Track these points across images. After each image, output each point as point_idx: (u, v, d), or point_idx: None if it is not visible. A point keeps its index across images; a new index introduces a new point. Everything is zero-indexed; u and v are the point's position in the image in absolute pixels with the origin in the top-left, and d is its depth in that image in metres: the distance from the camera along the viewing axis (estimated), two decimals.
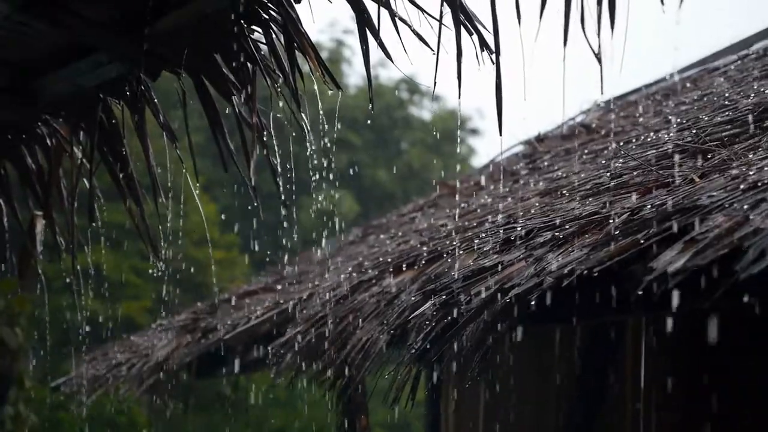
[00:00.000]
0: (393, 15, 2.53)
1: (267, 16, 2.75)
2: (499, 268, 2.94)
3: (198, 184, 3.28)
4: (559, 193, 3.82)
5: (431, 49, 2.53)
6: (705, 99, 4.59)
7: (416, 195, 9.51)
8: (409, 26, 2.56)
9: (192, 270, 19.84)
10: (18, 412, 10.23)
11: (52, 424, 14.86)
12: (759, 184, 2.34)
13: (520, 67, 2.47)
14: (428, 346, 3.06)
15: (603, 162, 4.15)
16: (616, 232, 2.56)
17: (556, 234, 2.95)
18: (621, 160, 3.79)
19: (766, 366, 3.77)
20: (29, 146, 3.46)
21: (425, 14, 2.52)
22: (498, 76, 2.54)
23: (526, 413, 5.22)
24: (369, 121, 28.01)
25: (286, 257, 7.74)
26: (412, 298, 3.43)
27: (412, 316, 3.24)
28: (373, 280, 4.19)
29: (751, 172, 2.54)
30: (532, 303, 2.65)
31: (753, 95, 3.82)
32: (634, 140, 4.36)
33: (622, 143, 4.52)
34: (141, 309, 19.89)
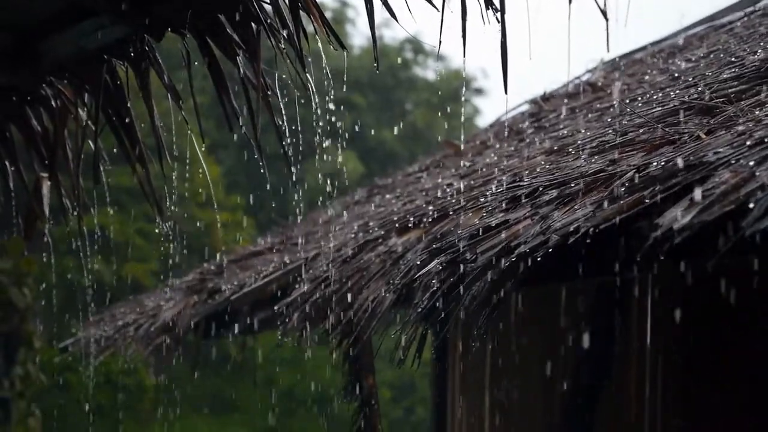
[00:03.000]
0: None
1: None
2: (505, 226, 2.94)
3: (203, 146, 3.28)
4: (564, 151, 3.82)
5: (436, 7, 2.52)
6: (711, 56, 4.57)
7: (421, 155, 9.51)
8: None
9: (197, 232, 19.89)
10: (27, 372, 10.31)
11: (60, 385, 14.96)
12: (765, 140, 2.34)
13: (525, 25, 2.46)
14: (434, 306, 3.07)
15: (609, 120, 4.14)
16: (622, 190, 2.56)
17: (562, 192, 2.95)
18: (627, 118, 3.78)
19: None
20: (34, 108, 3.46)
21: None
22: (503, 35, 2.53)
23: (532, 372, 5.25)
24: (376, 78, 27.94)
25: (291, 218, 7.75)
26: (418, 258, 3.43)
27: (418, 275, 3.24)
28: (378, 240, 4.20)
29: (757, 129, 2.54)
30: (538, 261, 2.65)
31: (759, 51, 3.80)
32: (640, 98, 4.35)
33: (627, 101, 4.51)
34: (146, 271, 19.96)
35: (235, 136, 3.00)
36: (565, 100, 6.25)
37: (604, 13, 2.42)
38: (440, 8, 2.50)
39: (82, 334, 7.06)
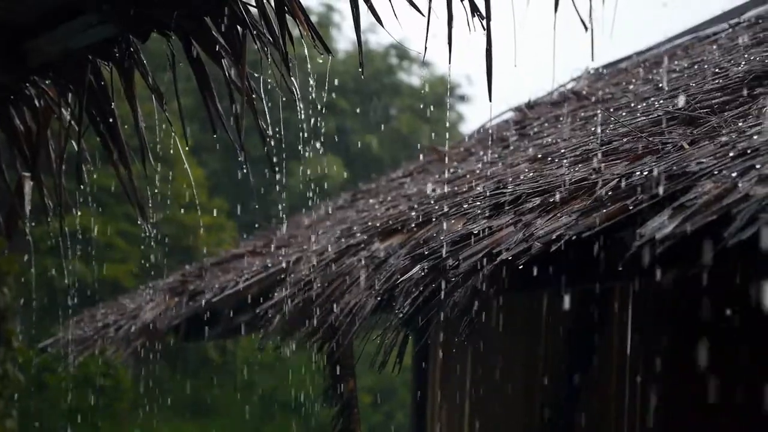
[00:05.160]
0: None
1: None
2: (488, 233, 2.94)
3: (187, 148, 3.27)
4: (548, 159, 3.82)
5: (422, 13, 2.52)
6: (696, 67, 4.59)
7: (405, 161, 9.52)
8: None
9: (179, 234, 19.85)
10: (5, 371, 10.26)
11: (38, 385, 14.89)
12: (748, 151, 2.35)
13: (511, 33, 2.47)
14: (416, 311, 3.07)
15: (593, 128, 4.15)
16: (605, 198, 2.57)
17: (545, 200, 2.96)
18: (611, 127, 3.79)
19: (752, 331, 3.79)
20: (17, 107, 3.44)
21: None
22: (488, 42, 2.53)
23: (513, 378, 5.25)
24: (360, 83, 27.93)
25: (274, 221, 7.74)
26: (401, 263, 3.43)
27: (400, 280, 3.24)
28: (361, 245, 4.20)
29: (740, 140, 2.55)
30: (520, 268, 2.65)
31: (743, 63, 3.82)
32: (624, 107, 4.36)
33: (612, 110, 4.52)
34: (127, 272, 19.90)
35: (219, 139, 2.99)
36: (550, 108, 6.27)
37: (584, 24, 2.43)
38: (426, 14, 2.50)
39: (62, 334, 7.03)
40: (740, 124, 2.86)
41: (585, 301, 4.68)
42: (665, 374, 4.21)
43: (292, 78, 2.81)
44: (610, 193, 2.59)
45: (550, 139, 4.61)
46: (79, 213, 3.59)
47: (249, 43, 2.86)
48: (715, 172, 2.29)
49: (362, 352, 4.04)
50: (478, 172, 4.60)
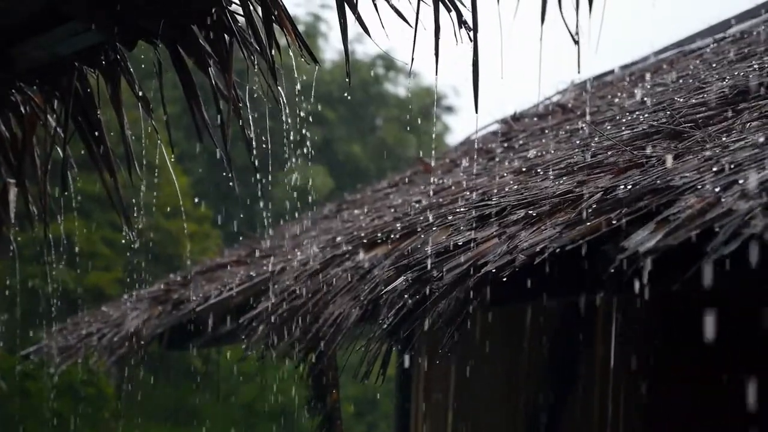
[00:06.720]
0: None
1: None
2: (472, 245, 2.94)
3: (173, 156, 3.26)
4: (533, 171, 3.83)
5: (409, 24, 2.53)
6: (681, 81, 4.61)
7: (391, 171, 9.52)
8: (387, 0, 2.55)
9: (164, 242, 19.79)
10: None
11: (21, 393, 14.82)
12: (732, 166, 2.36)
13: (498, 45, 2.48)
14: (400, 322, 3.07)
15: (578, 141, 4.16)
16: (589, 211, 2.57)
17: (530, 212, 2.96)
18: (595, 140, 3.80)
19: (736, 345, 3.80)
20: (3, 114, 3.43)
21: None
22: (475, 54, 2.54)
23: (496, 390, 5.25)
24: (346, 95, 27.91)
25: (259, 231, 7.74)
26: (385, 274, 3.43)
27: (385, 291, 3.24)
28: (346, 255, 4.20)
29: (724, 154, 2.56)
30: (505, 280, 2.66)
31: (728, 78, 3.84)
32: (609, 120, 4.38)
33: (597, 123, 4.54)
34: (111, 280, 19.83)
35: (205, 147, 2.99)
36: (536, 121, 6.28)
37: (573, 37, 2.44)
38: (413, 25, 2.51)
39: (45, 342, 7.00)
40: (724, 138, 2.87)
41: (569, 313, 4.69)
42: (649, 385, 4.21)
43: (279, 87, 2.82)
44: (594, 206, 2.60)
45: (535, 152, 4.62)
46: (61, 219, 3.58)
47: (236, 52, 2.87)
48: (699, 187, 2.30)
49: (346, 362, 4.03)
50: (463, 183, 4.60)
